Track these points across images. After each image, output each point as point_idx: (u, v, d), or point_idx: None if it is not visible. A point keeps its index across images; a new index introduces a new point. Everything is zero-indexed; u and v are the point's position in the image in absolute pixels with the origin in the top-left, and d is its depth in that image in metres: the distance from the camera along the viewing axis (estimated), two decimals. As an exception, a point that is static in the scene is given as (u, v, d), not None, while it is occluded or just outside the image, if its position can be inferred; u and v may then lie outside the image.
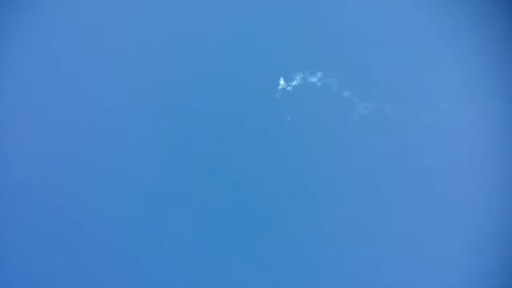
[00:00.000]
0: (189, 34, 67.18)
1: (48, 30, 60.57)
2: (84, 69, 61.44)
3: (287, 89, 66.10)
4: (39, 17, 59.82)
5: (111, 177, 60.06)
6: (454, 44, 61.36)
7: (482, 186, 59.97)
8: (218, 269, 59.71)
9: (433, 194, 63.31)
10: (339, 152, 69.14)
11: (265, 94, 66.29)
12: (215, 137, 66.36)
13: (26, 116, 58.49)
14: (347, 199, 66.80)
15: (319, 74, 66.20)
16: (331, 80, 67.01)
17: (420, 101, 65.25)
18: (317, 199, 66.85)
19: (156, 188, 61.69)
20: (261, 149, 67.41)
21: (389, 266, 62.00)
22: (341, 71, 66.87)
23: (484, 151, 60.49)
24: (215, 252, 60.36)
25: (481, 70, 60.33)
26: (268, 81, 66.27)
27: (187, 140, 65.31)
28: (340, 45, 67.99)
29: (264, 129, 67.36)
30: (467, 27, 60.27)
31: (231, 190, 64.52)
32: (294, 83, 66.12)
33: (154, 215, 60.29)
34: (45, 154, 58.67)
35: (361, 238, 63.17)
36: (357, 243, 62.87)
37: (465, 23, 60.00)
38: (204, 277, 58.97)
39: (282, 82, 65.27)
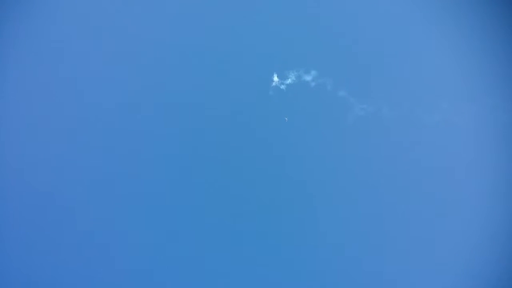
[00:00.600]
0: (185, 30, 65.67)
1: (48, 30, 60.70)
2: (83, 70, 61.75)
3: (281, 87, 63.94)
4: (39, 18, 60.09)
5: (109, 177, 60.02)
6: (454, 42, 59.30)
7: (483, 187, 57.23)
8: (214, 270, 58.98)
9: (434, 197, 60.56)
10: (335, 155, 66.51)
11: (258, 91, 64.31)
12: (206, 135, 64.34)
13: (26, 116, 58.55)
14: (343, 203, 63.99)
15: (313, 72, 64.08)
16: (326, 80, 64.78)
17: (419, 101, 62.92)
18: (312, 201, 64.22)
19: (149, 188, 60.84)
20: (253, 148, 65.06)
21: (386, 267, 59.29)
22: (337, 70, 64.66)
23: (485, 151, 57.90)
24: (208, 252, 59.40)
25: (482, 69, 58.22)
26: (261, 78, 64.37)
27: (180, 137, 63.53)
28: (336, 43, 65.98)
29: (255, 129, 65.16)
30: (467, 26, 58.54)
31: (223, 188, 62.72)
32: (288, 81, 64.00)
33: (150, 215, 60.24)
34: (44, 154, 58.68)
35: (356, 239, 60.74)
36: (353, 244, 60.40)
37: (464, 22, 58.32)
38: (201, 278, 58.48)
39: (275, 78, 63.10)
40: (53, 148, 58.98)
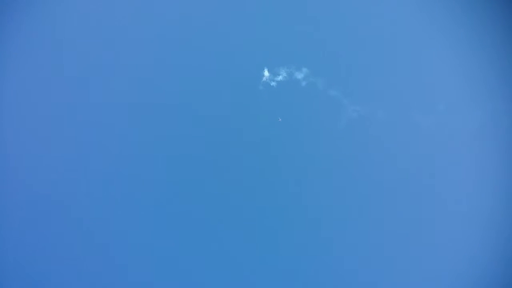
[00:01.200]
0: (178, 25, 63.29)
1: (49, 30, 60.25)
2: (81, 70, 61.42)
3: (271, 84, 60.49)
4: (40, 18, 59.78)
5: (109, 177, 59.63)
6: (453, 42, 56.88)
7: (483, 193, 54.21)
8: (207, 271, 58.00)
9: (431, 202, 57.26)
10: (327, 159, 63.18)
11: (248, 86, 60.97)
12: (195, 133, 61.66)
13: (25, 116, 58.45)
14: (335, 206, 60.42)
15: (305, 70, 60.96)
16: (318, 79, 61.68)
17: (415, 103, 60.20)
18: (304, 204, 61.03)
19: (137, 188, 59.73)
20: (240, 146, 61.77)
21: (383, 271, 56.17)
22: (330, 69, 61.86)
23: (484, 154, 55.10)
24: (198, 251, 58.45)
25: (481, 70, 55.84)
26: (252, 73, 60.92)
27: (171, 134, 61.37)
28: (330, 41, 62.88)
29: (243, 127, 61.65)
30: (466, 24, 56.39)
31: (213, 187, 60.69)
32: (279, 78, 60.61)
33: (148, 215, 59.48)
34: (41, 154, 58.39)
35: (349, 241, 57.75)
36: (345, 246, 57.63)
37: (463, 20, 56.33)
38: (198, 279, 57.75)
39: (266, 73, 59.65)
40: (50, 148, 58.62)
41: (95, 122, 60.51)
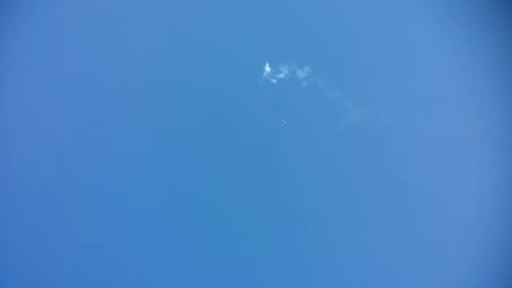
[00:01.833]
0: (180, 20, 60.27)
1: (48, 30, 59.16)
2: (80, 70, 60.06)
3: (272, 81, 56.73)
4: (39, 18, 58.79)
5: (106, 177, 58.16)
6: (462, 48, 54.55)
7: (485, 202, 51.40)
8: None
9: (432, 210, 54.16)
10: (325, 165, 59.80)
11: (249, 81, 57.24)
12: (193, 131, 58.97)
13: (25, 116, 57.62)
14: (331, 215, 56.79)
15: (307, 69, 57.50)
16: (320, 78, 58.35)
17: (420, 108, 57.50)
18: (297, 210, 57.44)
19: (134, 188, 58.02)
20: (238, 145, 58.18)
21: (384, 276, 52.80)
22: (333, 69, 58.75)
23: (489, 163, 52.44)
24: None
25: (490, 77, 53.57)
26: (253, 67, 57.32)
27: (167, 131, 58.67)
28: (334, 41, 59.76)
29: (243, 125, 58.18)
30: (475, 30, 54.31)
31: (207, 187, 58.11)
32: (281, 75, 56.94)
33: (145, 215, 57.63)
34: (37, 154, 57.50)
35: (346, 247, 54.65)
36: (342, 252, 54.49)
37: (473, 27, 54.27)
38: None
39: (267, 68, 55.87)
40: (46, 148, 57.65)
41: (94, 120, 59.05)
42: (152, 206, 56.97)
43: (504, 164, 52.20)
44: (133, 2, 61.44)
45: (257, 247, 56.18)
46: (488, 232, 50.86)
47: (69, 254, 54.36)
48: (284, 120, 58.07)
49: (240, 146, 58.79)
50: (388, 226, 55.57)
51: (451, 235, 52.53)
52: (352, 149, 60.23)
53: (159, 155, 58.56)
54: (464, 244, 51.44)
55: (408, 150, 58.19)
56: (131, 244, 55.43)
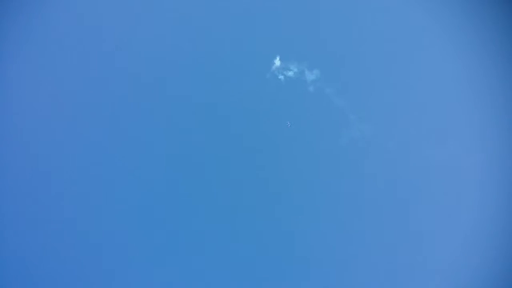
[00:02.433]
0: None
1: (48, 30, 58.00)
2: (79, 69, 58.81)
3: (279, 77, 55.18)
4: (39, 17, 57.85)
5: (106, 176, 56.79)
6: (475, 77, 53.33)
7: (486, 235, 48.87)
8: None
9: (431, 241, 51.43)
10: (320, 178, 57.80)
11: (256, 73, 55.65)
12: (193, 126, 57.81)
13: (25, 115, 56.59)
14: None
15: (316, 72, 55.96)
16: (328, 85, 56.68)
17: (425, 135, 55.53)
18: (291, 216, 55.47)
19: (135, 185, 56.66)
20: (235, 141, 56.75)
21: None
22: (344, 78, 57.05)
23: (490, 199, 50.12)
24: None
25: (502, 113, 52.02)
26: (263, 59, 55.77)
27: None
28: (351, 51, 57.60)
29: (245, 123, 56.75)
30: (487, 56, 53.11)
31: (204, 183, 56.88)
32: (290, 73, 55.39)
33: (145, 215, 56.42)
34: (40, 153, 56.14)
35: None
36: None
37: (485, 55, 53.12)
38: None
39: (277, 62, 54.44)
40: (46, 148, 56.42)
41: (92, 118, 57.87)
42: (151, 204, 56.00)
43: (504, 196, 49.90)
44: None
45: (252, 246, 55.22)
46: (485, 264, 48.42)
47: (68, 254, 53.25)
48: (288, 123, 56.31)
49: (236, 142, 57.26)
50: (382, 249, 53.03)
51: (443, 266, 50.24)
52: (350, 164, 58.22)
53: (157, 149, 57.86)
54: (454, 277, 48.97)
55: (405, 176, 56.13)
56: (133, 244, 54.61)
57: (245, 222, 56.33)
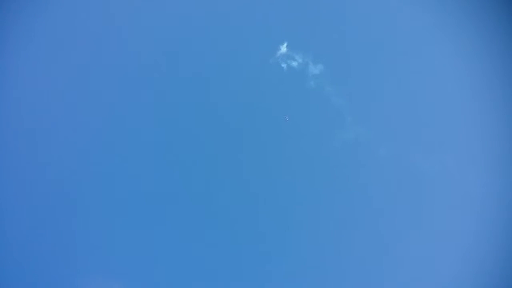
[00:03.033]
0: None
1: (48, 30, 57.12)
2: (76, 69, 58.05)
3: (282, 65, 52.23)
4: (39, 18, 56.91)
5: (105, 175, 56.02)
6: (479, 84, 52.24)
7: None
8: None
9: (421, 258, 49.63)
10: (309, 179, 55.38)
11: (259, 56, 52.97)
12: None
13: (24, 115, 55.91)
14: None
15: (320, 66, 53.49)
16: (329, 83, 54.47)
17: (420, 145, 54.12)
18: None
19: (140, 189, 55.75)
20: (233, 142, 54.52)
21: None
22: (347, 77, 55.02)
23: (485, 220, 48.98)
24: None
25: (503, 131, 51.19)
26: (270, 43, 53.14)
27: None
28: (359, 51, 55.79)
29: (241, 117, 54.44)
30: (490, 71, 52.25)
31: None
32: (293, 63, 52.59)
33: (146, 215, 55.27)
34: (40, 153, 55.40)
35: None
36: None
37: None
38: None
39: (283, 49, 51.58)
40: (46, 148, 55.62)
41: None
42: (150, 203, 54.81)
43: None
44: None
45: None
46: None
47: (68, 254, 51.92)
48: (286, 118, 53.57)
49: (223, 132, 54.77)
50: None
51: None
52: (341, 168, 56.24)
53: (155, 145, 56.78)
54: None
55: (395, 186, 54.53)
56: (132, 244, 53.34)
57: (227, 223, 54.47)
